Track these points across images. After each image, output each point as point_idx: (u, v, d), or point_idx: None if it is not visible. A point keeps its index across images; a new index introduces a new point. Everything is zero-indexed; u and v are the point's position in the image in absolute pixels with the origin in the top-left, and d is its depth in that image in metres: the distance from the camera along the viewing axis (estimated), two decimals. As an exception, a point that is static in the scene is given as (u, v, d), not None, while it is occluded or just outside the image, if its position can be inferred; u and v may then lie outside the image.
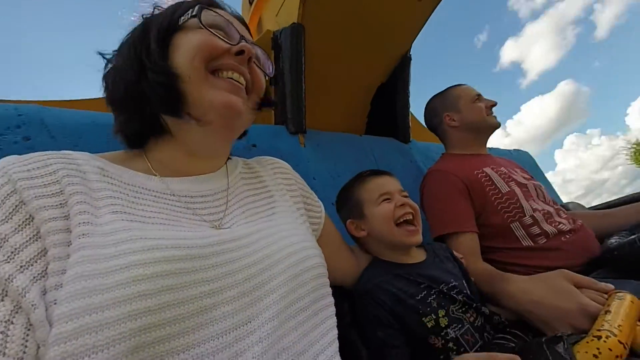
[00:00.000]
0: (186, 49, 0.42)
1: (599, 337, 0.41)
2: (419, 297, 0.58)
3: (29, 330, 0.28)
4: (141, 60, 0.43)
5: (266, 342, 0.34)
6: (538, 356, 0.41)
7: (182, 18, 0.44)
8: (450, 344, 0.54)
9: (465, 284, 0.65)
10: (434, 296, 0.59)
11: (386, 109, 1.36)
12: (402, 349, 0.55)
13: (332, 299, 0.46)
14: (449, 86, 1.17)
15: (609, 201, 1.24)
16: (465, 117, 1.08)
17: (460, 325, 0.56)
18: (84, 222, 0.33)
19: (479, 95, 1.10)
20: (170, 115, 0.44)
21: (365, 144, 1.29)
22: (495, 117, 1.08)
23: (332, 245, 0.58)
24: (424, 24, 1.21)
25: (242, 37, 0.46)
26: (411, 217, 0.67)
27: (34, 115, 0.70)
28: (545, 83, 30.93)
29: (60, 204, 0.34)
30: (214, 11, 0.46)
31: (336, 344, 0.43)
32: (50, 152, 0.39)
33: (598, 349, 0.39)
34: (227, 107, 0.43)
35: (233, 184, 0.51)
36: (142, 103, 0.44)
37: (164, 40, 0.43)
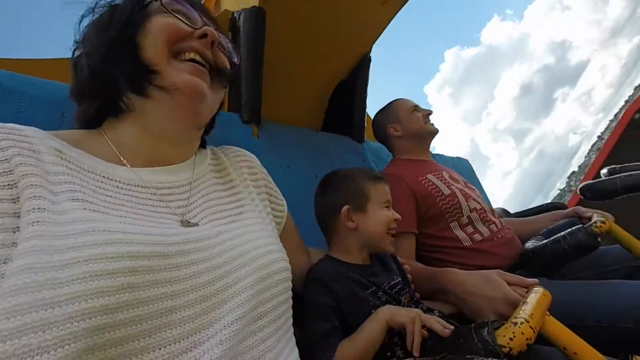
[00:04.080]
0: (151, 32, 0.43)
1: (515, 324, 0.48)
2: (369, 291, 0.61)
3: None
4: (108, 43, 0.43)
5: (226, 345, 0.33)
6: (467, 339, 0.47)
7: (145, 2, 0.45)
8: (396, 339, 0.57)
9: (406, 284, 0.69)
10: (381, 292, 0.63)
11: (344, 107, 1.37)
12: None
13: (291, 303, 0.47)
14: (389, 101, 1.28)
15: (529, 208, 1.41)
16: (406, 126, 1.18)
17: None
18: (38, 208, 0.30)
19: (416, 106, 1.20)
20: (137, 94, 0.44)
21: (320, 140, 1.29)
22: (432, 124, 1.19)
23: (290, 244, 0.58)
24: (386, 26, 1.24)
25: (205, 22, 0.47)
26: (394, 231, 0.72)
27: None
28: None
29: (9, 185, 0.31)
30: None
31: (296, 352, 0.44)
32: None
33: (513, 333, 0.46)
34: (190, 88, 0.43)
35: (200, 176, 0.49)
36: (108, 83, 0.44)
37: (129, 24, 0.43)
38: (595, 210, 0.94)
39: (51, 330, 0.25)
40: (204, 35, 0.45)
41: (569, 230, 0.79)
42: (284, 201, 0.63)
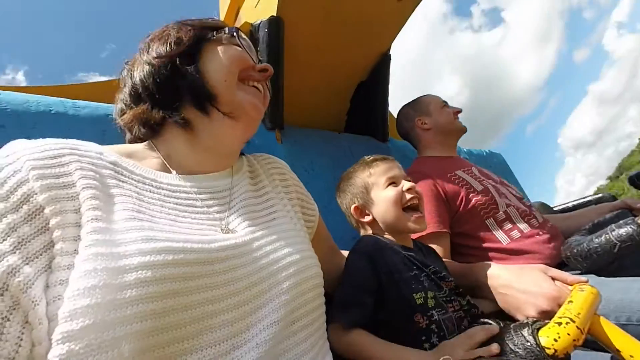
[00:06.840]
0: (224, 57, 0.49)
1: (560, 324, 0.45)
2: (412, 274, 0.60)
3: (24, 328, 0.27)
4: (175, 60, 0.47)
5: (263, 348, 0.35)
6: (507, 339, 0.45)
7: (218, 32, 0.50)
8: (433, 326, 0.55)
9: (449, 275, 0.67)
10: (424, 277, 0.61)
11: (366, 107, 1.37)
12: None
13: (324, 308, 0.48)
14: (418, 96, 1.27)
15: (573, 201, 1.31)
16: (436, 120, 1.16)
17: (444, 311, 0.58)
18: (96, 219, 0.33)
19: (446, 102, 1.20)
20: (199, 110, 0.48)
21: (344, 141, 1.29)
22: (461, 122, 1.18)
23: (323, 248, 0.59)
24: (404, 24, 1.23)
25: (259, 60, 0.55)
26: (417, 201, 0.68)
27: (-20, 101, 0.63)
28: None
29: (72, 197, 0.34)
30: (242, 35, 0.54)
31: (330, 355, 0.45)
32: (63, 141, 0.39)
33: (558, 333, 0.43)
34: (254, 108, 0.50)
35: (237, 182, 0.52)
36: (172, 97, 0.47)
37: (198, 45, 0.49)
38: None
39: (109, 332, 0.27)
40: (264, 70, 0.53)
41: (618, 223, 0.73)
42: (315, 205, 0.64)
